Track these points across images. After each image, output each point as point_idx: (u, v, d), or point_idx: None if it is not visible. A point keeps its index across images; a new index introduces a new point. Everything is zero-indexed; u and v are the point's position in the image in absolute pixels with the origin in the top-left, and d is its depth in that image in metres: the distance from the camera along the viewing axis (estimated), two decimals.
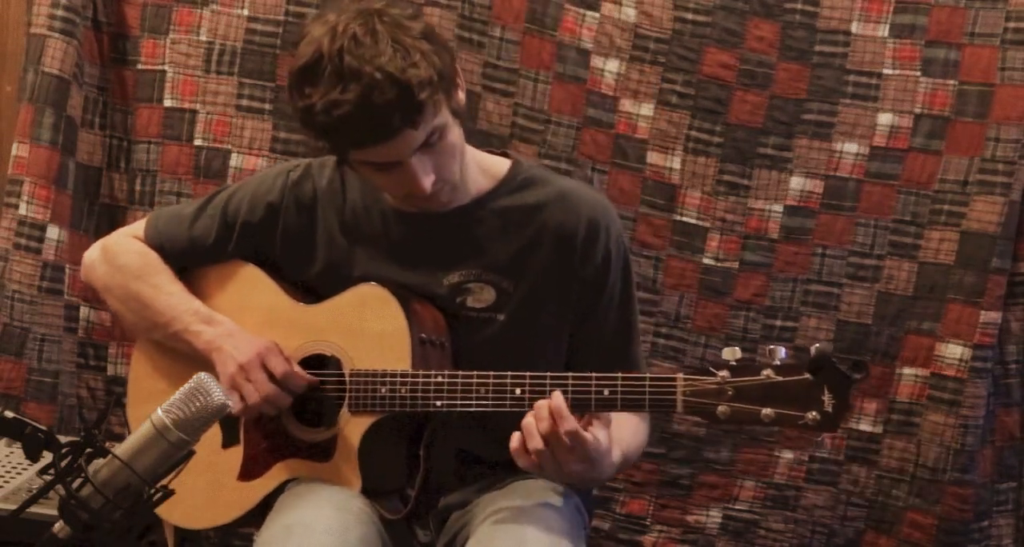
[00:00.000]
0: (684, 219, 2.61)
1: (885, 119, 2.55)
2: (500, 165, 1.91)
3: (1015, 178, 2.49)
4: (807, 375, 1.56)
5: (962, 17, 2.51)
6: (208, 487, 1.88)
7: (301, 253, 1.91)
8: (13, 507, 1.82)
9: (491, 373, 1.70)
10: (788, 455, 2.64)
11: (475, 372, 1.71)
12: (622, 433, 1.77)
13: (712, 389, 1.59)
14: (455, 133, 1.75)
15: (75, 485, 1.32)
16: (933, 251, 2.56)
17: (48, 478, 1.33)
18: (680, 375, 1.62)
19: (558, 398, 1.63)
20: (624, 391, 1.65)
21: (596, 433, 1.63)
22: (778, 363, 1.57)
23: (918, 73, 2.54)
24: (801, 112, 2.57)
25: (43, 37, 2.51)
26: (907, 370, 2.59)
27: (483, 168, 1.89)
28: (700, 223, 2.61)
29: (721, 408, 1.59)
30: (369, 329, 1.81)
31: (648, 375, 1.65)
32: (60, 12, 2.50)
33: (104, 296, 2.02)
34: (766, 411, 1.57)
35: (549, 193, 1.87)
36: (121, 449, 1.33)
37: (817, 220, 2.60)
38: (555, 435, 1.60)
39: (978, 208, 2.52)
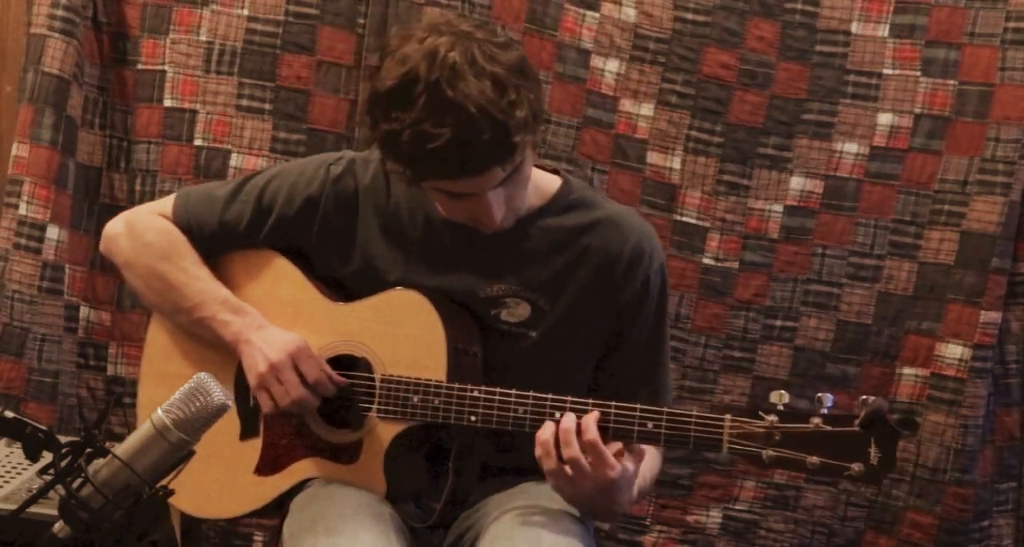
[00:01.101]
0: (684, 219, 2.61)
1: (885, 119, 2.55)
2: (551, 183, 1.88)
3: (1015, 178, 2.49)
4: (856, 427, 1.56)
5: (962, 17, 2.51)
6: (222, 477, 1.87)
7: (337, 250, 1.88)
8: (13, 507, 1.81)
9: (530, 394, 1.69)
10: None
11: (513, 391, 1.70)
12: (643, 468, 1.77)
13: (760, 433, 1.60)
14: (529, 165, 1.74)
15: (75, 485, 1.32)
16: (933, 251, 2.56)
17: (48, 478, 1.33)
18: (728, 416, 1.62)
19: (590, 420, 1.63)
20: (669, 427, 1.64)
21: (625, 463, 1.64)
22: (826, 411, 1.58)
23: (918, 73, 2.54)
24: (801, 112, 2.57)
25: (43, 37, 2.51)
26: (907, 370, 2.59)
27: (534, 185, 1.85)
28: (700, 223, 2.61)
29: (768, 452, 1.60)
30: (404, 335, 1.79)
31: (695, 413, 1.64)
32: (60, 12, 2.50)
33: (123, 272, 1.98)
34: (812, 459, 1.58)
35: (597, 217, 1.86)
36: (121, 449, 1.33)
37: (817, 220, 2.60)
38: (576, 459, 1.61)
39: (978, 208, 2.52)
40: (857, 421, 1.56)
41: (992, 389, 2.56)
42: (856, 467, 1.56)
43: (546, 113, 1.72)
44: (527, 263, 1.83)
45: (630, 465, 1.65)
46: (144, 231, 1.93)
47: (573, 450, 1.62)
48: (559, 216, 1.85)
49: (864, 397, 1.57)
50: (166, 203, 1.95)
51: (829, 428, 1.57)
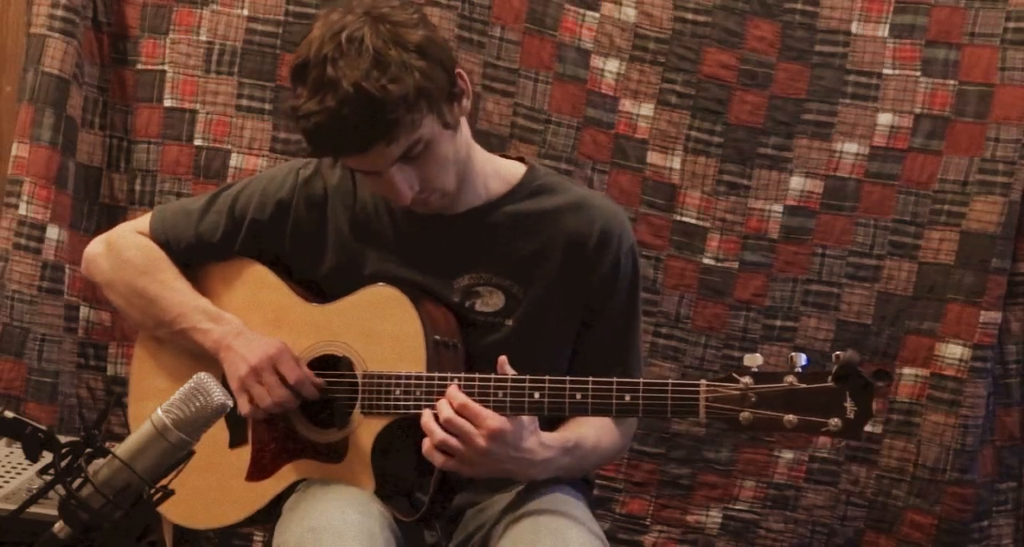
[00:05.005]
0: (684, 219, 2.61)
1: (885, 119, 2.56)
2: (515, 170, 1.89)
3: (1015, 178, 2.49)
4: (830, 382, 1.56)
5: (962, 17, 2.51)
6: (214, 487, 1.87)
7: (310, 252, 1.90)
8: (13, 507, 1.81)
9: (508, 376, 1.69)
10: (788, 455, 2.64)
11: (492, 375, 1.70)
12: (578, 426, 1.80)
13: (735, 395, 1.59)
14: (447, 145, 1.74)
15: (75, 485, 1.32)
16: (933, 251, 2.56)
17: (48, 478, 1.33)
18: (703, 381, 1.62)
19: (451, 388, 1.67)
20: (646, 397, 1.65)
21: (518, 417, 1.66)
22: (800, 370, 1.58)
23: (918, 73, 2.54)
24: (801, 112, 2.57)
25: (43, 37, 2.51)
26: (907, 370, 2.59)
27: (497, 173, 1.87)
28: (700, 223, 2.61)
29: (744, 414, 1.59)
30: (382, 330, 1.80)
31: (671, 380, 1.65)
32: (60, 12, 2.50)
33: (106, 291, 2.00)
34: (788, 417, 1.57)
35: (564, 200, 1.86)
36: (121, 449, 1.33)
37: (817, 220, 2.60)
38: (452, 420, 1.65)
39: (978, 208, 2.52)
40: (830, 376, 1.56)
41: (992, 389, 2.56)
42: (834, 422, 1.56)
43: (463, 91, 1.74)
44: (496, 250, 1.85)
45: (523, 417, 1.68)
46: (123, 249, 1.96)
47: (447, 412, 1.65)
48: (525, 201, 1.86)
49: (837, 353, 1.56)
50: (143, 221, 1.98)
51: (803, 386, 1.57)
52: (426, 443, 1.68)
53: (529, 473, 1.75)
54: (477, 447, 1.65)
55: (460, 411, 1.65)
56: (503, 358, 1.70)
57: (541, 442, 1.71)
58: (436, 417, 1.68)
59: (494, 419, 1.64)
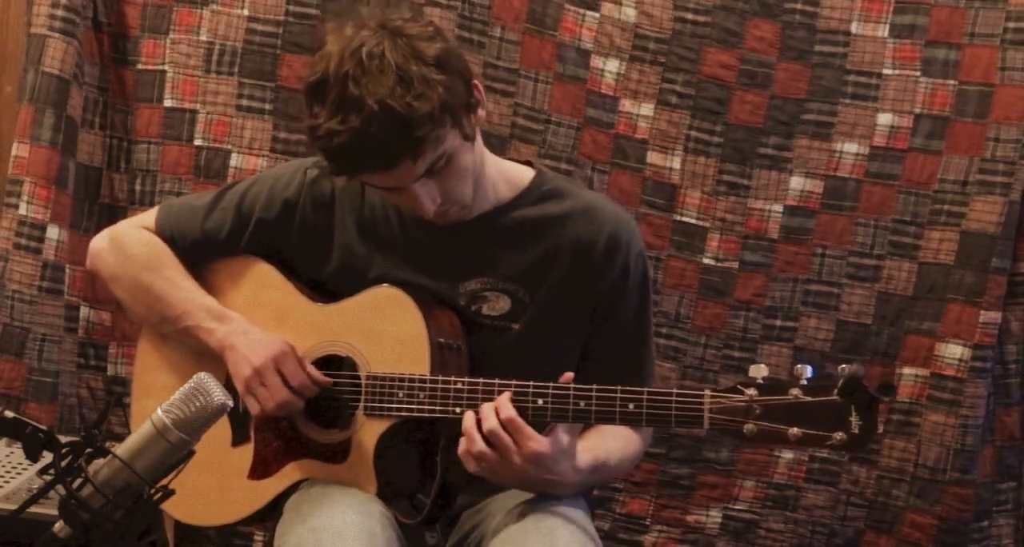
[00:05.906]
0: (684, 219, 2.61)
1: (885, 119, 2.56)
2: (523, 175, 1.89)
3: (1015, 178, 2.49)
4: (835, 396, 1.55)
5: (962, 17, 2.51)
6: (216, 485, 1.87)
7: (316, 251, 1.89)
8: (13, 507, 1.81)
9: (513, 383, 1.69)
10: (788, 455, 2.64)
11: (496, 380, 1.70)
12: (606, 442, 1.79)
13: (740, 407, 1.59)
14: (466, 156, 1.73)
15: (75, 485, 1.32)
16: (933, 251, 2.56)
17: (48, 478, 1.33)
18: (708, 392, 1.61)
19: (503, 398, 1.66)
20: (650, 406, 1.64)
21: (557, 435, 1.65)
22: (805, 382, 1.57)
23: (918, 73, 2.54)
24: (801, 112, 2.57)
25: (43, 37, 2.51)
26: (907, 370, 2.59)
27: (506, 177, 1.87)
28: (700, 223, 2.61)
29: (748, 426, 1.58)
30: (386, 332, 1.80)
31: (675, 390, 1.64)
32: (60, 12, 2.50)
33: (110, 286, 2.00)
34: (793, 431, 1.57)
35: (572, 206, 1.86)
36: (121, 449, 1.33)
37: (817, 220, 2.60)
38: (495, 433, 1.63)
39: (978, 208, 2.52)
40: (836, 390, 1.55)
41: (992, 389, 2.56)
42: (838, 436, 1.55)
43: (479, 102, 1.75)
44: (503, 255, 1.84)
45: (563, 436, 1.66)
46: (128, 244, 1.95)
47: (491, 423, 1.64)
48: (533, 206, 1.86)
49: (842, 366, 1.56)
50: (149, 216, 1.98)
51: (808, 399, 1.56)
52: (463, 444, 1.66)
53: (549, 492, 1.75)
54: (513, 465, 1.64)
55: (506, 425, 1.64)
56: (569, 375, 1.68)
57: (574, 467, 1.70)
58: (479, 422, 1.66)
59: (537, 442, 1.64)
